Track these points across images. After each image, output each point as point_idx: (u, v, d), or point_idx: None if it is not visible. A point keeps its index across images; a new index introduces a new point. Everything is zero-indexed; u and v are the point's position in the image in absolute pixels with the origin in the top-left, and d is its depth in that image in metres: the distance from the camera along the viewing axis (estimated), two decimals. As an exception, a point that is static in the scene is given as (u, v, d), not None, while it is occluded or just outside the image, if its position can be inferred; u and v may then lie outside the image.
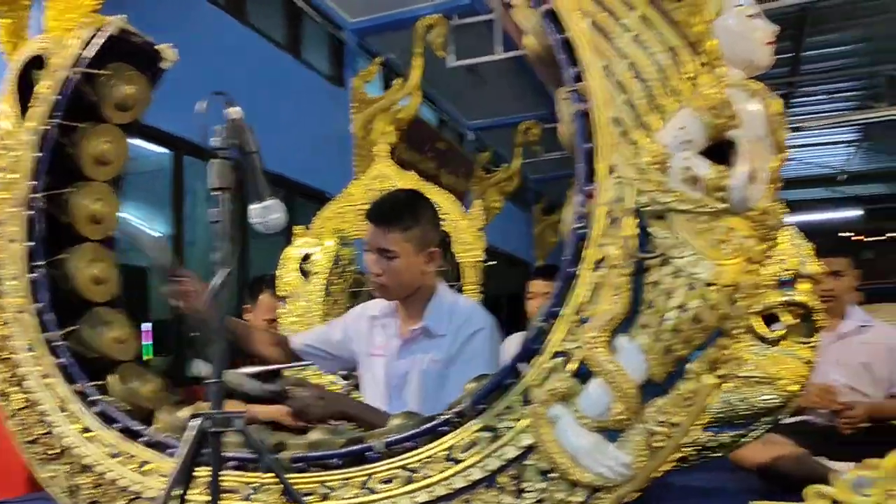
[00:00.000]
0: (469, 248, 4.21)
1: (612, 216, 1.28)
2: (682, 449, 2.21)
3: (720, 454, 2.43)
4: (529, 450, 1.29)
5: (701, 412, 1.27)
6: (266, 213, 1.40)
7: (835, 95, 8.95)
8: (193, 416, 1.27)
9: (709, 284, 1.22)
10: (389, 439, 1.38)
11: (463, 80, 7.93)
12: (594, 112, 1.30)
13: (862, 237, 14.80)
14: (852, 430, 2.94)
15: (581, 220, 1.31)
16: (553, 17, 1.35)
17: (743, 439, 2.46)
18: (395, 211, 1.91)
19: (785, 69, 8.30)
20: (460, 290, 4.31)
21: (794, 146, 11.25)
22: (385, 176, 4.16)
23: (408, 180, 4.09)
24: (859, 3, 6.70)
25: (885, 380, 3.10)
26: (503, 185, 8.86)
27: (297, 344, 2.18)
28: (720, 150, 1.26)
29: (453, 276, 4.40)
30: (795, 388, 2.36)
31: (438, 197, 4.07)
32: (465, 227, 4.18)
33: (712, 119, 1.22)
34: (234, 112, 1.38)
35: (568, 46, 1.33)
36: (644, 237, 1.26)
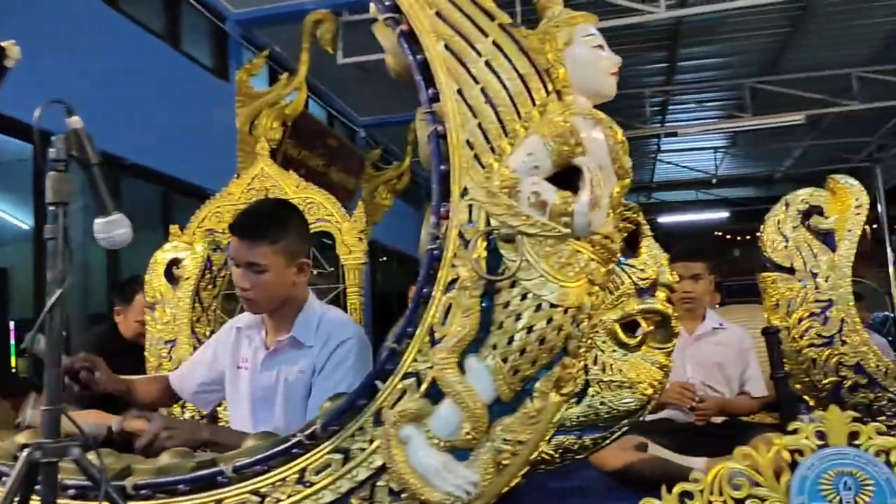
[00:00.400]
0: (352, 250, 4.18)
1: (464, 238, 1.30)
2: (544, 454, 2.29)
3: (583, 456, 2.54)
4: (381, 471, 1.30)
5: (547, 429, 1.31)
6: (111, 227, 1.33)
7: (706, 104, 9.49)
8: (24, 445, 1.19)
9: (554, 306, 1.27)
10: (239, 463, 1.35)
11: (353, 76, 7.86)
12: (450, 134, 1.32)
13: (729, 237, 15.83)
14: (704, 422, 3.14)
15: (435, 240, 1.33)
16: (410, 38, 1.35)
17: (605, 441, 2.58)
18: (261, 223, 1.85)
19: (661, 78, 8.72)
20: (343, 293, 4.27)
21: (670, 150, 11.88)
22: (266, 175, 4.06)
23: (289, 180, 4.01)
24: (727, 19, 7.13)
25: (735, 378, 3.33)
26: (394, 182, 8.85)
27: (186, 392, 2.09)
28: (569, 176, 1.31)
29: (335, 278, 4.36)
30: (652, 391, 2.49)
31: (321, 198, 4.01)
32: (348, 229, 4.14)
33: (558, 146, 1.26)
34: (74, 122, 1.31)
35: (425, 67, 1.34)
36: (494, 259, 1.29)
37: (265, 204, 2.08)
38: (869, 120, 10.04)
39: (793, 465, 1.13)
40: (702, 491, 1.16)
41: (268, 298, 1.87)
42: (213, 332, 2.67)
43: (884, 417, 2.24)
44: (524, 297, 1.27)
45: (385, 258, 11.13)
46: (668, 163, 12.60)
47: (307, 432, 1.33)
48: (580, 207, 1.26)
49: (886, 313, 11.07)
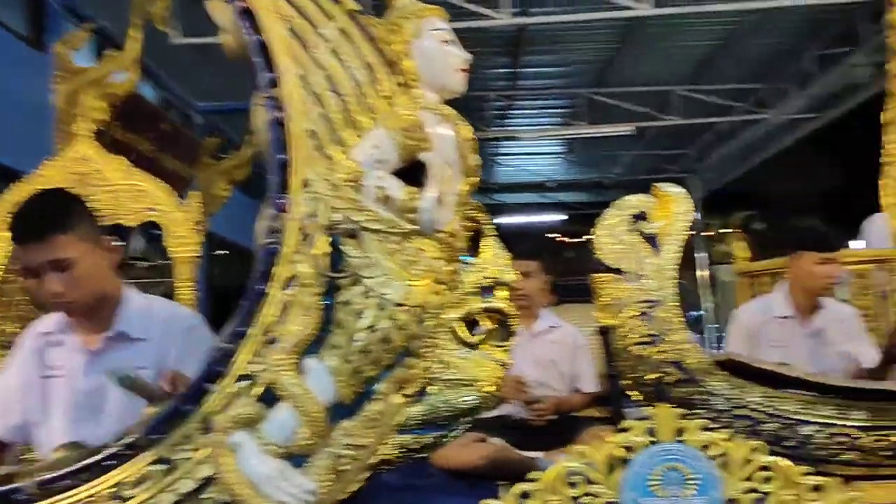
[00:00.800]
0: (184, 242, 3.92)
1: (304, 232, 1.22)
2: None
3: (424, 455, 2.53)
4: (208, 482, 1.19)
5: (388, 431, 1.27)
6: None
7: (545, 111, 9.93)
8: None
9: (398, 305, 1.23)
10: (42, 478, 1.19)
11: (192, 58, 7.43)
12: (289, 122, 1.24)
13: (565, 239, 16.67)
14: (542, 422, 3.24)
15: (273, 234, 1.24)
16: (249, 16, 1.26)
17: (446, 439, 2.59)
18: (48, 214, 1.62)
19: (504, 83, 9.00)
20: (172, 287, 4.00)
21: (511, 154, 12.31)
22: (87, 158, 3.72)
23: (114, 165, 3.70)
24: (566, 31, 7.48)
25: (569, 376, 3.46)
26: (233, 172, 8.46)
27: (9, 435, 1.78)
28: (415, 172, 1.28)
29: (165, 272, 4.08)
30: (492, 388, 2.53)
31: (151, 186, 3.74)
32: (181, 219, 3.89)
33: (405, 140, 1.22)
34: None
35: (264, 49, 1.25)
36: (337, 256, 1.23)
37: (40, 196, 1.81)
38: (688, 133, 10.97)
39: (625, 462, 1.16)
40: (540, 490, 1.16)
41: (87, 294, 1.67)
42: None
43: (701, 410, 2.41)
44: (367, 295, 1.22)
45: (224, 252, 10.65)
46: (509, 166, 13.04)
47: (125, 441, 1.20)
48: (426, 204, 1.23)
49: (700, 312, 12.16)
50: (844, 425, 2.42)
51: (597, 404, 3.71)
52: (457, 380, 2.59)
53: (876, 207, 3.88)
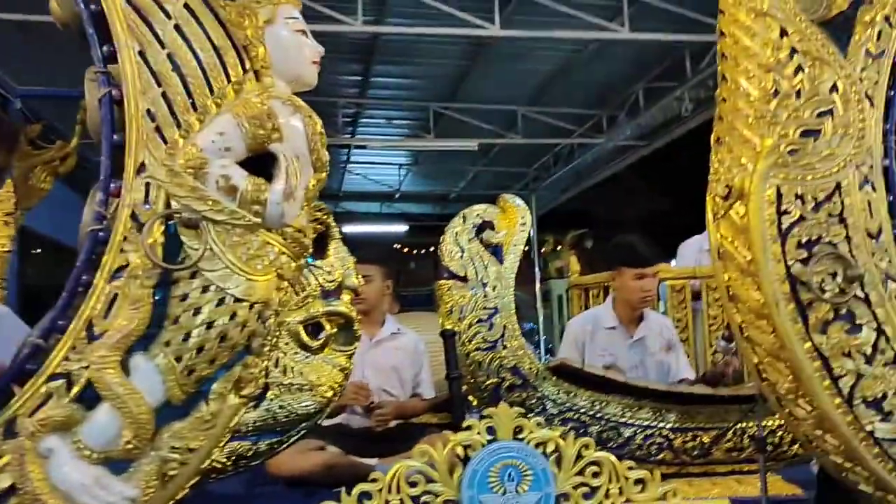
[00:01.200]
0: (-8, 235, 3.53)
1: (137, 220, 1.14)
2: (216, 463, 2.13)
3: (257, 462, 2.44)
4: (10, 492, 1.07)
5: (222, 435, 1.20)
6: None
7: (394, 122, 9.98)
8: None
9: (239, 300, 1.17)
10: None
11: (11, 36, 6.74)
12: (127, 100, 1.15)
13: (407, 249, 16.83)
14: (382, 428, 3.22)
15: (101, 220, 1.14)
16: (83, -17, 1.16)
17: (282, 446, 2.51)
18: None
19: (355, 91, 8.96)
20: (-24, 285, 3.58)
21: (359, 162, 12.26)
22: None
23: None
24: (418, 43, 7.58)
25: (409, 382, 3.48)
26: (55, 164, 7.79)
27: None
28: (262, 164, 1.22)
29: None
30: (332, 394, 2.49)
31: (-46, 170, 3.33)
32: (-10, 210, 3.50)
33: (254, 129, 1.17)
34: None
35: (100, 20, 1.16)
36: (173, 246, 1.15)
37: None
38: (528, 153, 11.47)
39: (466, 461, 1.18)
40: (380, 490, 1.15)
41: None
42: None
43: (533, 414, 2.51)
44: (206, 289, 1.15)
45: (40, 249, 9.74)
46: (357, 174, 12.98)
47: None
48: (274, 197, 1.18)
49: (533, 324, 12.69)
50: (660, 427, 2.62)
51: (435, 411, 3.76)
52: (296, 385, 2.53)
53: (693, 230, 4.28)
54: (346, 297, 2.56)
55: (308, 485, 2.75)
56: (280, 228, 1.21)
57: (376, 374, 3.38)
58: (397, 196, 14.25)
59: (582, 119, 9.76)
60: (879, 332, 1.26)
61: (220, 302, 1.16)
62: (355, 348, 2.55)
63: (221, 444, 1.23)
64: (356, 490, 1.14)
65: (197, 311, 1.15)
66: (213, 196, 1.15)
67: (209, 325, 1.15)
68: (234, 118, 1.17)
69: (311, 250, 1.83)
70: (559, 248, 15.75)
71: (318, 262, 2.56)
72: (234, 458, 2.30)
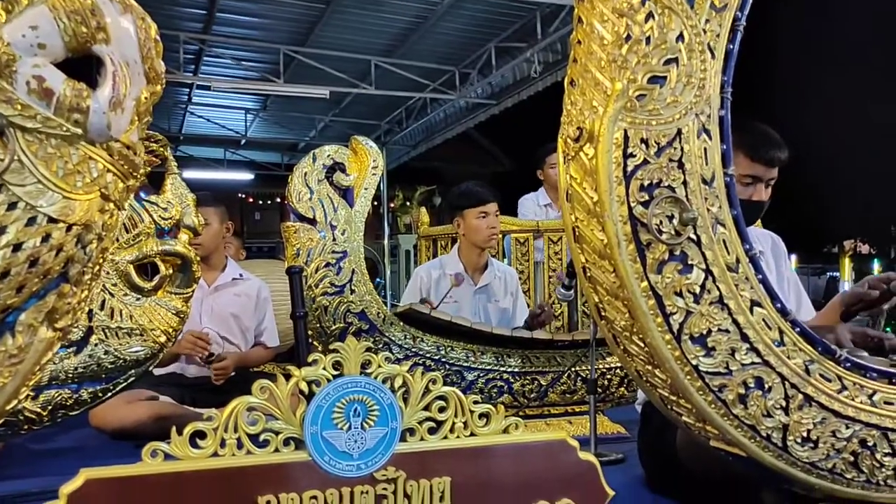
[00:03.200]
0: None
1: (-74, 122, 0.97)
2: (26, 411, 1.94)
3: (79, 412, 2.25)
4: None
5: (32, 371, 1.07)
6: None
7: (242, 63, 9.45)
8: None
9: (53, 220, 1.03)
10: None
11: None
12: (-89, -21, 0.96)
13: (253, 199, 16.24)
14: (223, 379, 3.09)
15: None
16: None
17: (107, 395, 2.33)
18: None
19: (199, 26, 8.38)
20: None
21: (202, 104, 11.57)
22: None
23: None
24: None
25: (251, 329, 3.36)
26: None
27: None
28: (85, 68, 1.08)
29: None
30: (165, 339, 2.33)
31: None
32: None
33: (75, 25, 1.02)
34: None
35: None
36: (-27, 155, 0.99)
37: None
38: (381, 105, 11.33)
39: (310, 397, 1.13)
40: (216, 429, 1.07)
41: None
42: None
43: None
44: (12, 206, 1.00)
45: None
46: (199, 117, 12.26)
47: None
48: (98, 105, 1.04)
49: (380, 279, 12.74)
50: (502, 371, 2.70)
51: (279, 360, 3.67)
52: (125, 329, 2.35)
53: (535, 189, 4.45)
54: (183, 236, 2.39)
55: (137, 437, 2.60)
56: (105, 142, 1.07)
57: (214, 320, 3.24)
58: (243, 142, 13.66)
59: (435, 74, 9.76)
60: (708, 272, 1.34)
61: (31, 221, 1.02)
62: (193, 291, 2.41)
63: (30, 385, 1.10)
64: (188, 429, 1.06)
65: (1, 231, 1.00)
66: (23, 99, 1.00)
67: (16, 248, 1.01)
68: (50, 11, 1.01)
69: (144, 178, 1.68)
70: (409, 203, 15.83)
71: (154, 198, 2.38)
72: (51, 407, 2.11)
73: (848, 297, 1.78)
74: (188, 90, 10.73)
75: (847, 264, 14.41)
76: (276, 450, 1.11)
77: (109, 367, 2.27)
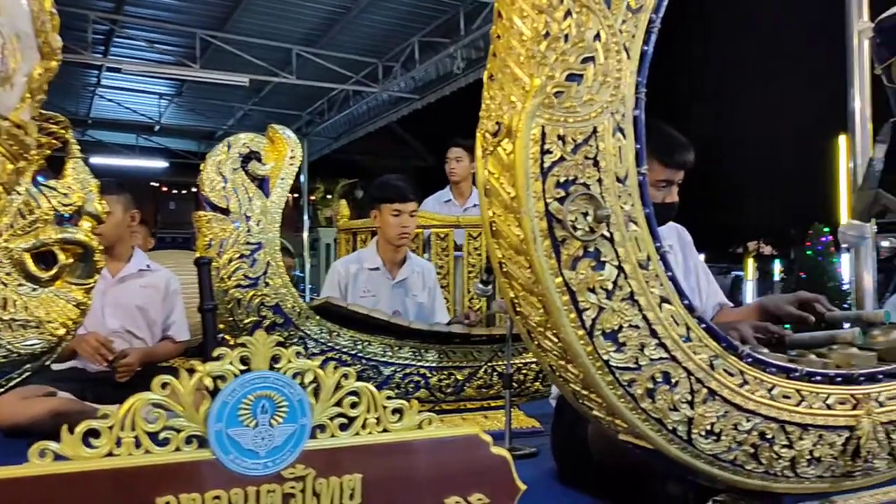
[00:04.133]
0: None
1: None
2: None
3: (-34, 410, 2.11)
4: None
5: None
6: None
7: (156, 46, 9.09)
8: None
9: (-69, 204, 0.95)
10: None
11: None
12: None
13: (167, 188, 15.68)
14: (128, 376, 2.97)
15: None
16: None
17: (1, 390, 2.19)
18: None
19: (110, 4, 8.01)
20: None
21: (112, 87, 11.07)
22: None
23: None
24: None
25: (159, 323, 3.23)
26: None
27: None
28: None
29: None
30: (64, 332, 2.21)
31: None
32: None
33: (-43, -7, 0.95)
34: None
35: None
36: None
37: None
38: (303, 96, 11.13)
39: (216, 393, 1.08)
40: (111, 427, 1.02)
41: None
42: None
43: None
44: None
45: None
46: (109, 100, 11.73)
47: None
48: (-16, 80, 0.97)
49: (299, 272, 12.54)
50: (419, 366, 2.69)
51: (188, 355, 3.55)
52: (20, 321, 2.21)
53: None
54: (85, 224, 2.27)
55: (32, 436, 2.45)
56: (-8, 120, 1.00)
57: (118, 313, 3.10)
58: (157, 129, 13.15)
59: (358, 66, 9.66)
60: (620, 269, 1.36)
61: None
62: (94, 282, 2.29)
63: None
64: (80, 428, 1.00)
65: None
66: None
67: None
68: (-72, -25, 0.93)
69: (42, 161, 1.59)
70: (329, 196, 15.66)
71: (53, 183, 2.24)
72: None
73: (773, 308, 1.86)
74: (97, 72, 10.25)
75: (751, 264, 15.15)
76: (178, 449, 1.06)
77: (2, 361, 2.13)
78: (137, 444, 1.04)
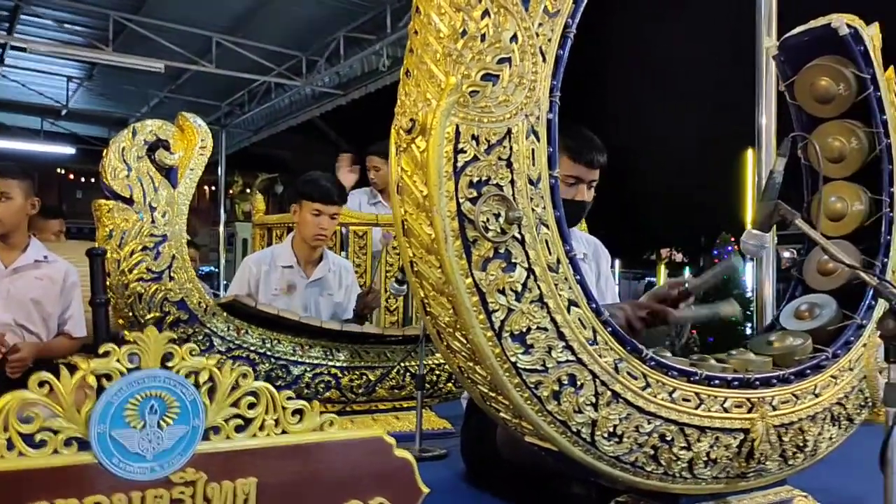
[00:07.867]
0: None
1: None
2: None
3: None
4: None
5: None
6: None
7: (65, 25, 8.64)
8: None
9: None
10: None
11: None
12: None
13: (74, 176, 14.95)
14: (20, 372, 2.80)
15: None
16: None
17: None
18: None
19: (15, -21, 7.58)
20: None
21: (16, 67, 10.48)
22: None
23: None
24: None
25: (55, 317, 3.07)
26: None
27: None
28: None
29: None
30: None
31: None
32: None
33: None
34: None
35: None
36: None
37: None
38: (222, 86, 10.81)
39: (100, 392, 1.01)
40: (-20, 428, 0.94)
41: None
42: None
43: (199, 352, 2.34)
44: None
45: None
46: (13, 81, 11.08)
47: None
48: None
49: (214, 268, 12.20)
50: (329, 366, 2.64)
51: (87, 351, 3.37)
52: None
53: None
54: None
55: None
56: None
57: (11, 306, 2.92)
58: (64, 113, 12.51)
59: (281, 58, 9.46)
60: (530, 271, 1.36)
61: None
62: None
63: None
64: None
65: None
66: None
67: None
68: None
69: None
70: (248, 190, 15.28)
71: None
72: None
73: (652, 295, 1.91)
74: (1, 51, 9.67)
75: (663, 271, 15.69)
76: (56, 451, 0.99)
77: None
78: (10, 447, 0.96)
